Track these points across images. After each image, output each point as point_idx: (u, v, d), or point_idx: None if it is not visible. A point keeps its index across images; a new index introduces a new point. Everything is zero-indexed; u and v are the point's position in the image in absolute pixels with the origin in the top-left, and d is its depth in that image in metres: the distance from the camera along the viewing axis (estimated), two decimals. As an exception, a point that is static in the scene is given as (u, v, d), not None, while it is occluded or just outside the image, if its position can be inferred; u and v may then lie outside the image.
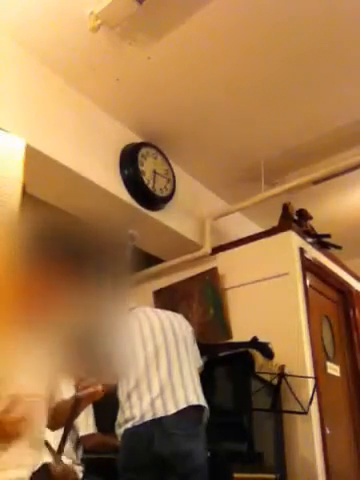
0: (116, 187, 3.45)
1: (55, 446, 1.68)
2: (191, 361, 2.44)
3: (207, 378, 2.57)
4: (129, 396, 2.28)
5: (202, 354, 2.60)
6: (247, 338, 3.38)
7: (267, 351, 3.30)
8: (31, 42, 2.96)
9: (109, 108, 3.47)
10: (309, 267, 3.81)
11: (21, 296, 1.33)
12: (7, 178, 2.16)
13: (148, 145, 3.72)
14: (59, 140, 3.09)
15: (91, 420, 2.64)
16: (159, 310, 2.65)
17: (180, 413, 2.22)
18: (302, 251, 3.77)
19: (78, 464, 2.46)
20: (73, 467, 2.23)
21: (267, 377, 3.07)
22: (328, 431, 3.37)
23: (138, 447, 2.19)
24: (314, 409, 3.26)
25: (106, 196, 3.38)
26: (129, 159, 3.55)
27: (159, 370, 2.32)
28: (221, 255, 4.05)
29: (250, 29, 2.91)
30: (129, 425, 2.23)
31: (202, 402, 2.33)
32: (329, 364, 3.79)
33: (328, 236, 4.11)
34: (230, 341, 3.66)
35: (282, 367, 3.10)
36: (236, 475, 2.61)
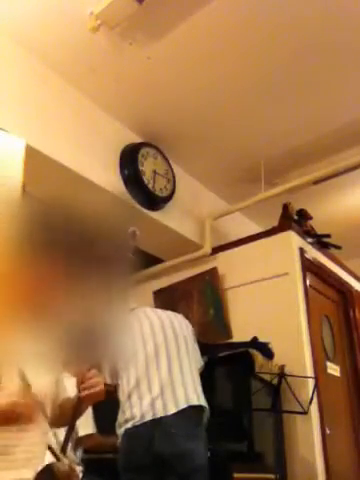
0: (116, 187, 3.45)
1: (55, 446, 1.68)
2: (191, 361, 2.44)
3: (207, 378, 2.57)
4: (129, 396, 2.28)
5: (202, 354, 2.60)
6: (247, 338, 3.38)
7: (267, 351, 3.30)
8: (31, 42, 2.96)
9: (109, 108, 3.47)
10: (309, 267, 3.81)
11: (21, 296, 1.33)
12: (7, 178, 2.16)
13: (148, 145, 3.72)
14: (59, 140, 3.09)
15: (90, 420, 2.64)
16: (159, 310, 2.65)
17: (180, 413, 2.22)
18: (302, 251, 3.77)
19: (78, 464, 2.46)
20: (73, 467, 2.23)
21: (267, 377, 3.07)
22: (328, 431, 3.37)
23: (138, 447, 2.19)
24: (314, 409, 3.26)
25: (106, 196, 3.38)
26: (129, 159, 3.55)
27: (159, 370, 2.32)
28: (221, 255, 4.05)
29: (250, 29, 2.91)
30: (129, 425, 2.23)
31: (202, 402, 2.33)
32: (329, 364, 3.79)
33: (328, 236, 4.12)
34: (230, 341, 3.66)
35: (282, 367, 3.10)
36: (236, 475, 2.61)
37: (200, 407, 2.31)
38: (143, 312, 2.54)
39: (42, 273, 1.32)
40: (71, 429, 1.52)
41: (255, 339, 3.36)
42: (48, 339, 1.35)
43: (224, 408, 2.97)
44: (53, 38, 2.95)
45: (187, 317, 2.69)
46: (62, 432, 1.58)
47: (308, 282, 3.72)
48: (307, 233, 4.00)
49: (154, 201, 3.67)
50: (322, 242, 4.11)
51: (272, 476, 2.89)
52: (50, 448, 1.36)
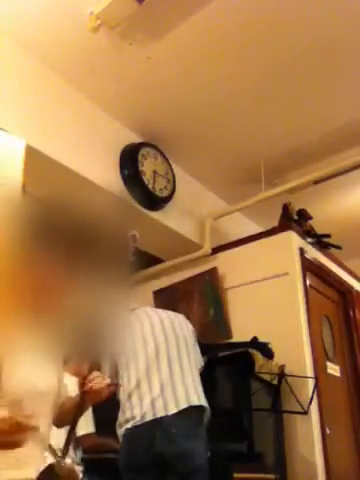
0: (116, 187, 3.44)
1: (55, 446, 1.68)
2: (192, 361, 2.44)
3: (207, 378, 2.57)
4: (130, 396, 2.28)
5: (202, 354, 2.61)
6: (247, 338, 3.38)
7: (267, 351, 3.30)
8: (31, 42, 2.95)
9: (109, 108, 3.47)
10: (309, 267, 3.81)
11: (22, 297, 1.34)
12: (7, 178, 2.16)
13: (148, 145, 3.72)
14: (59, 140, 3.09)
15: (89, 420, 2.64)
16: (160, 310, 2.65)
17: (181, 413, 2.22)
18: (302, 251, 3.77)
19: (78, 464, 2.46)
20: (74, 466, 2.23)
21: (267, 377, 3.07)
22: (328, 431, 3.37)
23: (139, 447, 2.19)
24: (314, 409, 3.26)
25: (106, 196, 3.38)
26: (129, 159, 3.55)
27: (160, 370, 2.32)
28: (221, 255, 4.05)
29: (250, 29, 2.91)
30: (130, 425, 2.23)
31: (203, 402, 2.33)
32: (329, 364, 3.79)
33: (328, 236, 4.12)
34: (230, 341, 3.66)
35: (282, 367, 3.10)
36: (236, 475, 2.61)
37: (201, 407, 2.31)
38: (144, 312, 2.54)
39: (43, 273, 1.32)
40: (73, 428, 1.52)
41: (255, 339, 3.36)
42: (50, 338, 1.35)
43: (224, 408, 2.97)
44: (53, 38, 2.95)
45: (187, 317, 2.69)
46: (57, 431, 1.58)
47: (308, 282, 3.72)
48: (307, 233, 4.00)
49: (154, 201, 3.67)
50: (322, 242, 4.11)
51: (272, 476, 2.89)
52: (50, 448, 1.36)
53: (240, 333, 3.61)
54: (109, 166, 3.45)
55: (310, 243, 3.98)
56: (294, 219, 3.96)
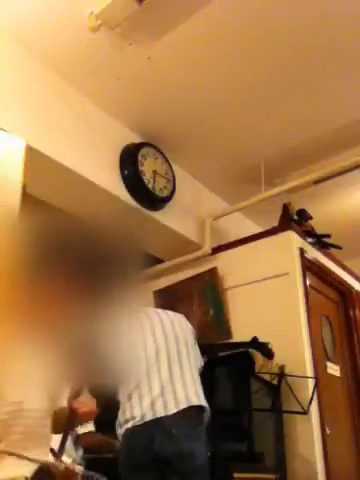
0: (116, 187, 3.45)
1: (55, 446, 1.68)
2: (192, 361, 2.44)
3: (207, 378, 2.57)
4: (130, 396, 2.28)
5: (202, 354, 2.61)
6: (247, 338, 3.38)
7: (267, 351, 3.30)
8: (31, 42, 2.95)
9: (109, 108, 3.47)
10: (309, 267, 3.81)
11: (22, 299, 1.33)
12: (7, 178, 2.16)
13: (148, 145, 3.72)
14: (59, 140, 3.09)
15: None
16: (160, 310, 2.65)
17: (181, 413, 2.22)
18: (302, 251, 3.77)
19: (78, 463, 2.46)
20: (73, 466, 2.23)
21: (267, 377, 3.07)
22: (328, 431, 3.37)
23: (138, 447, 2.19)
24: (314, 409, 3.26)
25: (106, 196, 3.38)
26: (129, 159, 3.55)
27: (160, 370, 2.32)
28: (221, 255, 4.05)
29: (250, 29, 2.91)
30: (130, 425, 2.23)
31: (203, 402, 2.33)
32: (329, 364, 3.79)
33: (328, 236, 4.12)
34: (230, 341, 3.66)
35: (282, 367, 3.10)
36: (236, 475, 2.61)
37: (201, 407, 2.32)
38: (144, 312, 2.54)
39: (42, 279, 1.32)
40: (65, 437, 1.54)
41: (255, 339, 3.36)
42: (49, 345, 1.35)
43: (224, 408, 2.97)
44: (53, 38, 2.95)
45: (187, 317, 2.69)
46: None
47: (308, 282, 3.72)
48: (307, 233, 4.00)
49: (154, 201, 3.67)
50: (322, 242, 4.11)
51: (272, 476, 2.89)
52: (50, 448, 1.37)
53: (240, 333, 3.61)
54: (109, 166, 3.45)
55: (310, 243, 3.98)
56: (294, 219, 3.96)
